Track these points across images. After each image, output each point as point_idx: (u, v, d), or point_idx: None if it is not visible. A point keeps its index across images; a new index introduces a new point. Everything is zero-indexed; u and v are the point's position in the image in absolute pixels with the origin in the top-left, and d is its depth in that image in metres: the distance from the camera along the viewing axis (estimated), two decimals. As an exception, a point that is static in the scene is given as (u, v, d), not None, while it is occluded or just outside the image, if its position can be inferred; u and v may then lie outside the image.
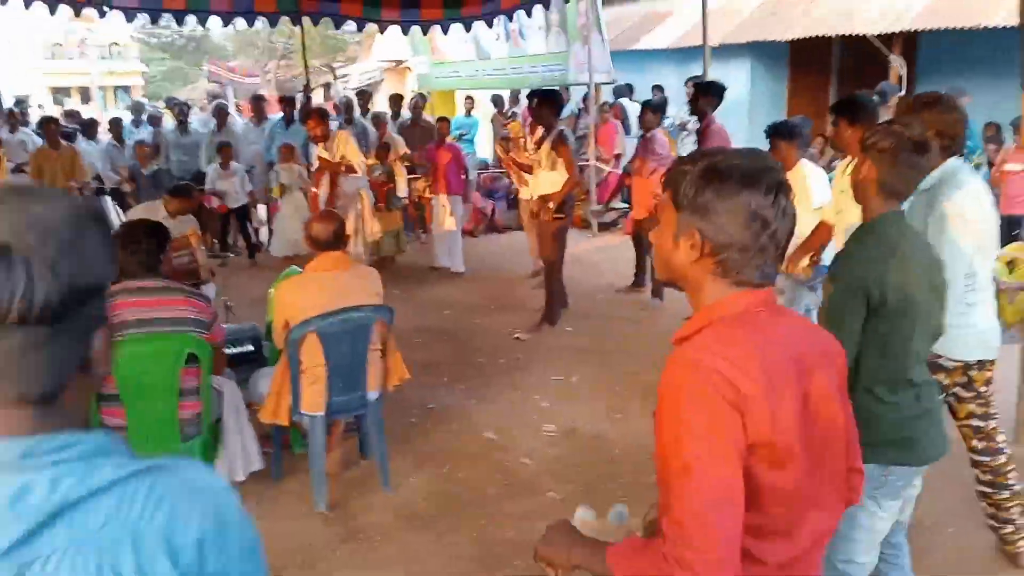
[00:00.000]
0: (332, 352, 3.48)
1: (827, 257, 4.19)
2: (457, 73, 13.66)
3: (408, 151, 8.93)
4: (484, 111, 13.12)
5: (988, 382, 2.93)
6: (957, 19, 7.99)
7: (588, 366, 5.38)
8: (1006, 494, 3.01)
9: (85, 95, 31.09)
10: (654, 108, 6.97)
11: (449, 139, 8.68)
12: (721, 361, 1.24)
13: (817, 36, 9.32)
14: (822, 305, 2.22)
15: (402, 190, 8.63)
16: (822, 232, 4.13)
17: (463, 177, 8.49)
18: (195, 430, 3.31)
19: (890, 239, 2.12)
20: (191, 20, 7.37)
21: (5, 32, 27.83)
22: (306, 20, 7.79)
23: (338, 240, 3.59)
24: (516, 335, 6.09)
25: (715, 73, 6.78)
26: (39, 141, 9.21)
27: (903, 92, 8.97)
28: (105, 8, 6.72)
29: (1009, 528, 3.05)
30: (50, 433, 0.77)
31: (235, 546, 0.83)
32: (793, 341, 1.35)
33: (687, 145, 9.85)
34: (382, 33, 8.66)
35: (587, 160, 9.46)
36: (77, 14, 6.92)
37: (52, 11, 6.45)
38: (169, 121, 10.61)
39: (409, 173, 8.87)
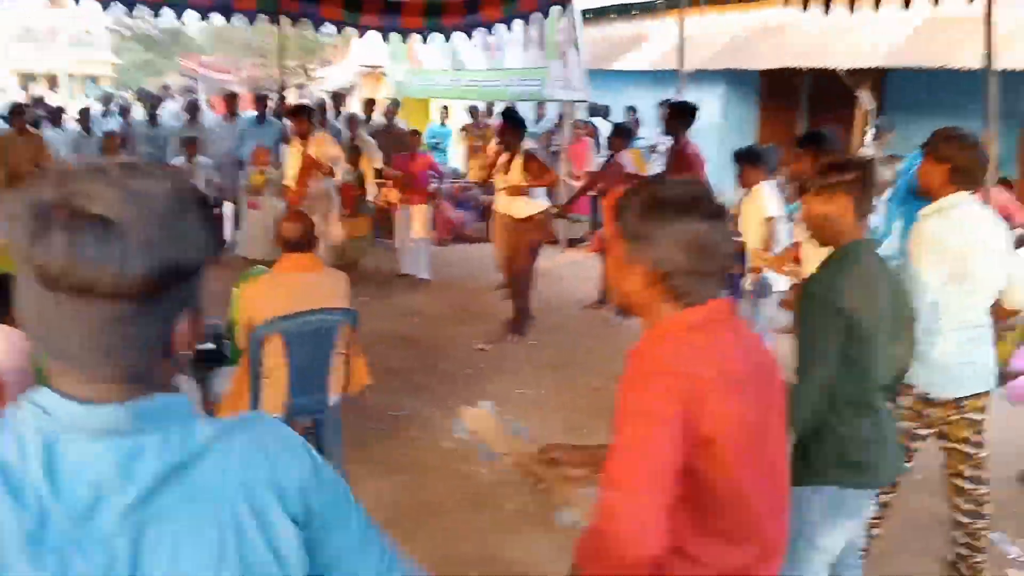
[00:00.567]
0: (295, 353, 3.45)
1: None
2: (433, 82, 13.66)
3: (381, 159, 8.92)
4: (458, 121, 13.14)
5: (982, 409, 2.94)
6: (924, 59, 8.21)
7: (552, 380, 5.40)
8: (981, 523, 3.04)
9: (52, 82, 30.50)
10: (623, 133, 7.07)
11: (421, 148, 8.69)
12: (675, 358, 1.31)
13: (788, 68, 9.51)
14: (793, 323, 2.27)
15: (371, 194, 8.63)
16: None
17: (434, 187, 8.49)
18: (151, 427, 3.25)
19: (864, 265, 2.18)
20: (167, 13, 7.27)
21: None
22: (284, 20, 7.75)
23: (308, 241, 3.56)
24: (480, 346, 6.08)
25: (689, 98, 6.87)
26: (3, 125, 9.02)
27: (871, 128, 9.21)
28: (80, -6, 6.62)
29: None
30: (149, 397, 0.80)
31: (329, 486, 0.92)
32: (747, 352, 1.40)
33: (657, 167, 9.97)
34: (361, 37, 8.64)
35: (559, 176, 9.51)
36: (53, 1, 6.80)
37: (26, -6, 6.34)
38: (139, 112, 10.45)
39: (377, 178, 8.86)
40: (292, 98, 14.64)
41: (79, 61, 32.18)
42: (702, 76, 10.32)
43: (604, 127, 10.77)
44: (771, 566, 1.44)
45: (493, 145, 9.86)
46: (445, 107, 12.84)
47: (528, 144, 6.17)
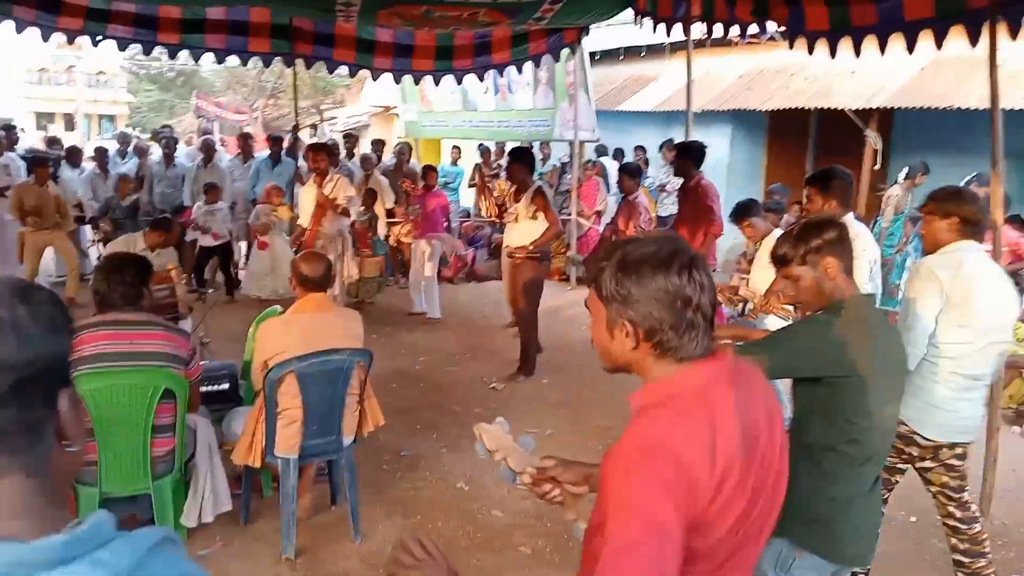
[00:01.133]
0: (310, 394, 3.46)
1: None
2: (444, 123, 13.85)
3: (395, 200, 9.07)
4: (470, 161, 13.29)
5: (961, 457, 3.00)
6: (931, 99, 8.29)
7: (562, 419, 5.39)
8: (982, 562, 3.06)
9: (69, 122, 30.98)
10: (631, 173, 7.14)
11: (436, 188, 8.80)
12: (673, 443, 1.27)
13: (795, 108, 9.60)
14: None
15: (381, 232, 8.74)
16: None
17: (445, 225, 8.58)
18: (167, 467, 3.26)
19: (862, 319, 2.12)
20: (184, 54, 7.42)
21: (-4, 56, 27.80)
22: (298, 62, 7.91)
23: (325, 281, 3.60)
24: (492, 385, 6.09)
25: (696, 137, 6.93)
26: (21, 165, 9.18)
27: (878, 167, 9.26)
28: (99, 36, 6.75)
29: None
30: (50, 514, 0.81)
31: None
32: (745, 412, 1.37)
33: (666, 207, 10.04)
34: (375, 80, 8.78)
35: (569, 215, 9.60)
36: (71, 41, 6.95)
37: (45, 37, 6.48)
38: (155, 153, 10.62)
39: (388, 217, 8.96)
40: (305, 138, 14.84)
41: (95, 101, 32.69)
42: (709, 116, 10.44)
43: (611, 166, 10.89)
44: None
45: (502, 184, 9.99)
46: (457, 147, 12.99)
47: (538, 181, 6.22)
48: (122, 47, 7.09)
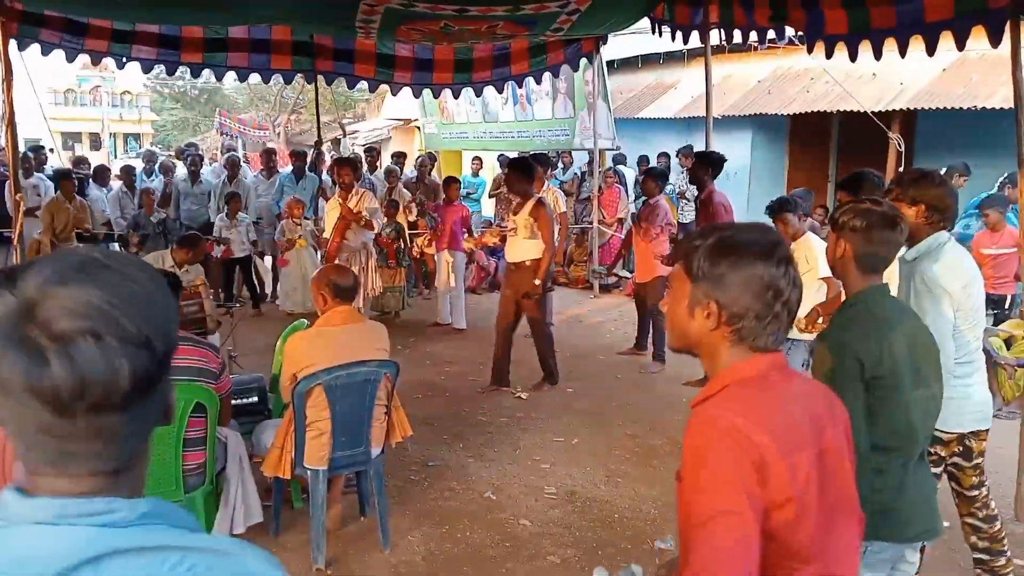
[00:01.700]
0: (338, 406, 3.50)
1: None
2: (464, 134, 13.93)
3: (418, 212, 9.14)
4: (491, 172, 13.35)
5: (982, 452, 2.99)
6: (954, 100, 8.21)
7: (588, 428, 5.39)
8: (1002, 560, 3.04)
9: (95, 142, 31.47)
10: (656, 177, 7.12)
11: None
12: (740, 420, 1.29)
13: (816, 112, 9.55)
14: (813, 368, 2.25)
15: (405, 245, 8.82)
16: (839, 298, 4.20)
17: (466, 236, 8.63)
18: (199, 480, 3.31)
19: (876, 313, 2.15)
20: (206, 73, 7.54)
21: (20, 77, 28.27)
22: (319, 77, 8.00)
23: (352, 294, 3.64)
24: (517, 394, 6.10)
25: (717, 143, 6.93)
26: (50, 185, 9.35)
27: (902, 169, 9.17)
28: (124, 58, 6.88)
29: None
30: (105, 497, 0.77)
31: None
32: (806, 401, 1.41)
33: (686, 213, 10.02)
34: (395, 95, 8.87)
35: (591, 223, 9.61)
36: (96, 63, 7.08)
37: (71, 59, 6.60)
38: (181, 170, 10.79)
39: (410, 229, 9.02)
40: (328, 153, 14.96)
41: (120, 120, 33.18)
42: (729, 121, 10.42)
43: (629, 175, 10.90)
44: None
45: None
46: (478, 158, 13.05)
47: (544, 192, 6.14)
48: (146, 69, 7.21)
